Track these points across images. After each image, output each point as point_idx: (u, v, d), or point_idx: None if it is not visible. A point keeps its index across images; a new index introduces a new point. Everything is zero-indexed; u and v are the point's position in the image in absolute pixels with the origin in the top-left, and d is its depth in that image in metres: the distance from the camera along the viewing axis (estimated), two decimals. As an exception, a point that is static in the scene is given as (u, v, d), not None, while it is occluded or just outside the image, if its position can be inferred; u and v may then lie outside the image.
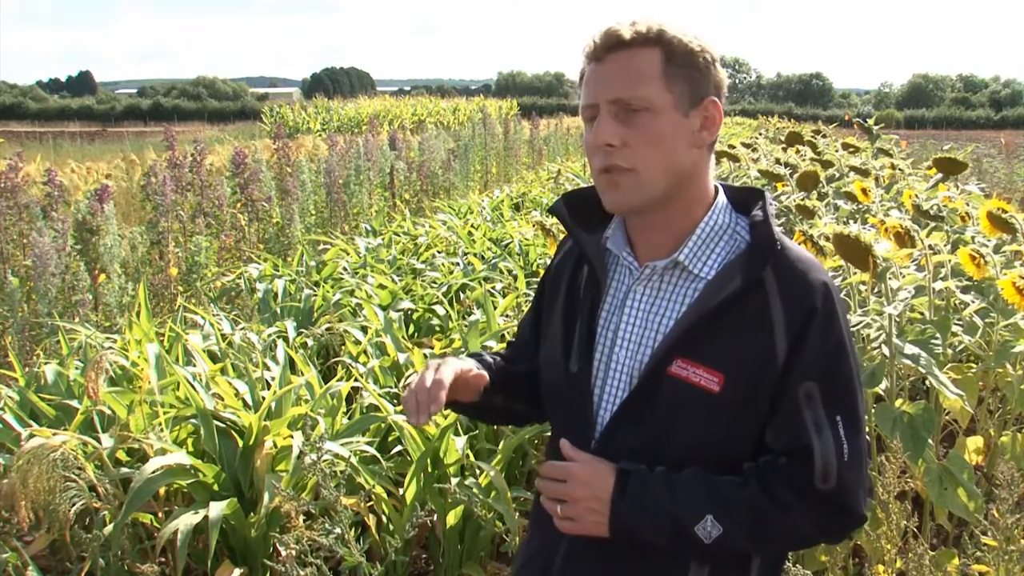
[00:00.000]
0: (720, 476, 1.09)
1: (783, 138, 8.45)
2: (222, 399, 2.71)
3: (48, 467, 2.21)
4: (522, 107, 33.31)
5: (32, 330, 4.04)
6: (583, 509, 1.09)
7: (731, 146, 6.02)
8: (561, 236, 3.33)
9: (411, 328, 4.15)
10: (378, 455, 2.61)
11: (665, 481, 1.09)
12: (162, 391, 2.72)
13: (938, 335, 2.22)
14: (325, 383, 2.99)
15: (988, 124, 45.67)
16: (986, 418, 2.69)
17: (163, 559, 2.50)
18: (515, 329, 3.60)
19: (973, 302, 2.55)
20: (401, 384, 3.08)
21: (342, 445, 2.49)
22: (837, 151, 6.26)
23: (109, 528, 2.29)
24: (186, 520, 2.25)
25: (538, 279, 4.23)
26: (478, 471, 2.58)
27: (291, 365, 3.11)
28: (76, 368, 3.01)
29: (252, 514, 2.44)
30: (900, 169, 5.08)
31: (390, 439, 2.82)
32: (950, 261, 2.49)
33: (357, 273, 4.84)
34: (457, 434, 2.63)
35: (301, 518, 2.03)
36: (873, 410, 2.18)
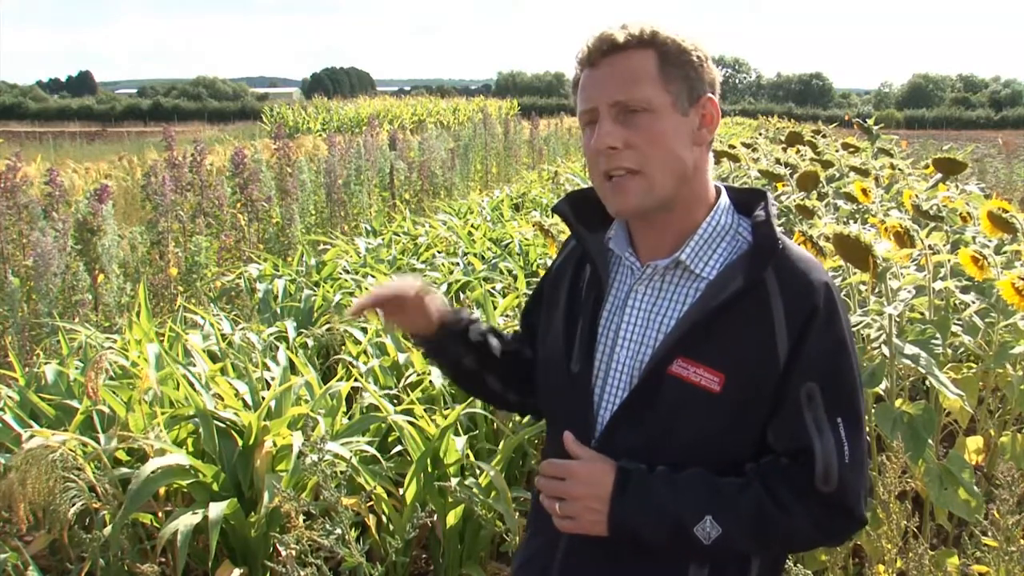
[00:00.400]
0: (721, 477, 1.09)
1: (783, 138, 8.45)
2: (222, 399, 2.71)
3: (48, 467, 2.21)
4: (522, 107, 33.31)
5: (32, 330, 4.04)
6: (582, 507, 1.09)
7: (731, 146, 6.01)
8: (560, 236, 3.33)
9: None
10: (378, 455, 2.61)
11: (666, 481, 1.08)
12: (161, 388, 2.72)
13: (938, 335, 2.21)
14: (325, 383, 2.99)
15: (988, 124, 45.66)
16: (986, 418, 2.69)
17: (163, 559, 2.50)
18: (515, 329, 3.61)
19: (973, 302, 2.55)
20: (401, 385, 3.08)
21: (342, 445, 2.49)
22: (837, 151, 6.26)
23: (109, 528, 2.29)
24: (186, 520, 2.25)
25: (538, 279, 4.24)
26: (478, 471, 2.58)
27: (291, 365, 3.11)
28: (76, 368, 3.01)
29: (252, 514, 2.44)
30: (900, 169, 5.08)
31: (390, 439, 2.82)
32: (950, 261, 2.49)
33: (357, 273, 4.84)
34: (457, 434, 2.63)
35: (301, 518, 2.03)
36: (873, 410, 2.18)
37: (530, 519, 1.32)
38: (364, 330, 3.61)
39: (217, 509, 2.26)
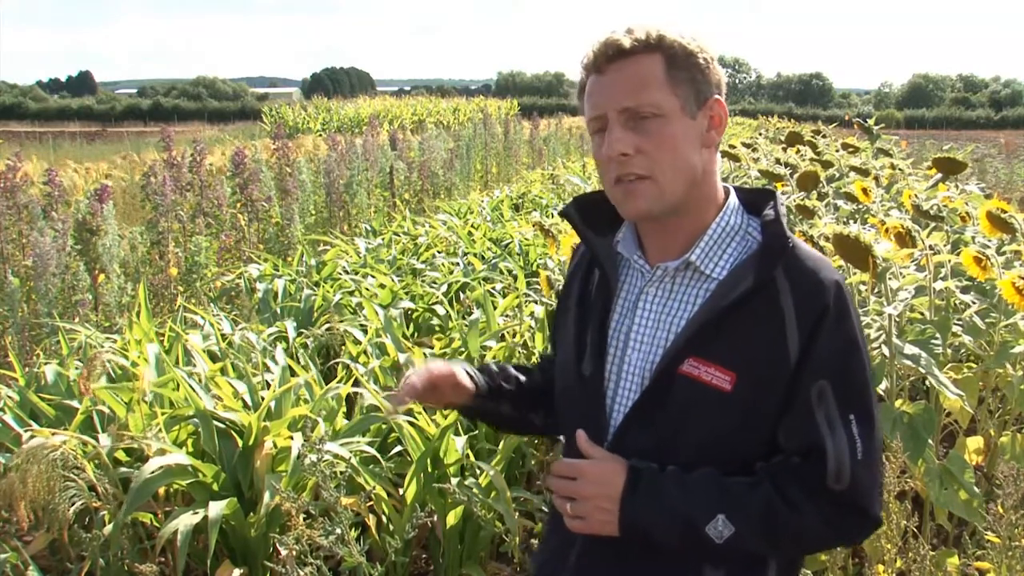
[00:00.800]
0: (732, 476, 1.09)
1: (783, 138, 8.46)
2: (222, 399, 2.71)
3: (47, 467, 2.21)
4: (522, 107, 33.31)
5: (32, 330, 4.04)
6: (592, 507, 1.09)
7: (731, 146, 6.02)
8: (560, 236, 3.33)
9: (411, 328, 4.15)
10: (378, 455, 2.61)
11: (677, 480, 1.08)
12: (159, 390, 2.72)
13: (938, 335, 2.22)
14: (325, 383, 2.99)
15: (988, 124, 45.65)
16: (986, 418, 2.69)
17: (163, 559, 2.50)
18: (515, 328, 3.61)
19: (973, 302, 2.55)
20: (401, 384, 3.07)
21: (342, 445, 2.49)
22: (837, 151, 6.27)
23: (109, 528, 2.29)
24: (186, 520, 2.25)
25: (537, 279, 4.25)
26: (478, 471, 2.57)
27: (291, 365, 3.11)
28: (76, 368, 3.01)
29: (252, 514, 2.44)
30: (900, 169, 5.08)
31: (390, 439, 2.82)
32: (950, 261, 2.49)
33: (357, 273, 4.84)
34: (457, 434, 2.63)
35: (301, 518, 2.02)
36: (873, 410, 2.18)
37: (548, 519, 1.34)
38: (364, 330, 3.62)
39: (217, 509, 2.26)
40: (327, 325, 3.78)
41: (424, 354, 3.34)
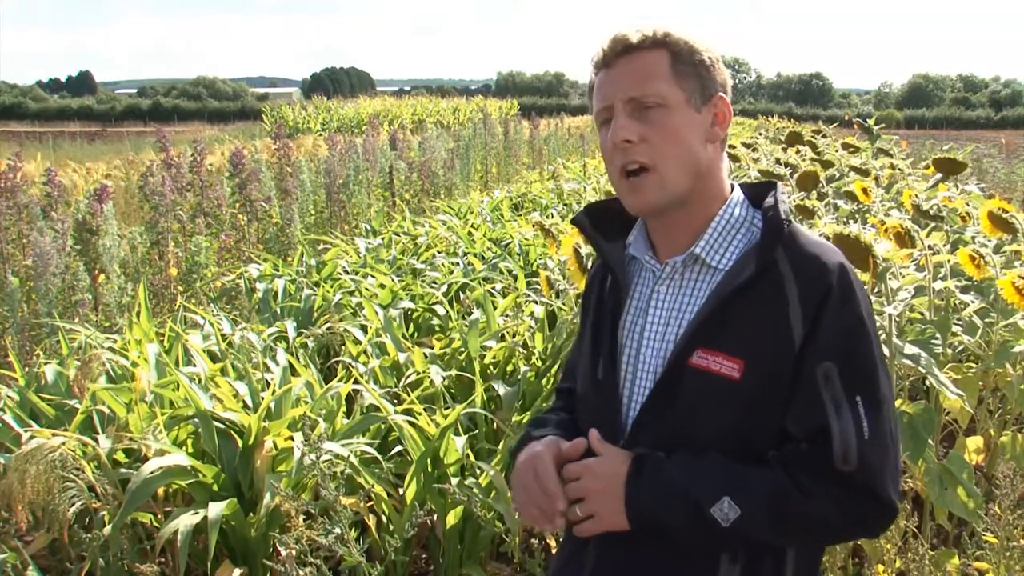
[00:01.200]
0: (739, 462, 1.08)
1: (783, 138, 8.46)
2: (222, 400, 2.71)
3: (47, 467, 2.21)
4: (522, 107, 33.33)
5: (32, 330, 4.04)
6: (600, 503, 1.09)
7: (731, 146, 6.02)
8: (560, 236, 3.33)
9: (411, 328, 4.16)
10: (378, 455, 2.61)
11: (681, 463, 1.08)
12: (159, 391, 2.72)
13: (938, 335, 2.22)
14: (325, 383, 2.99)
15: (988, 124, 45.65)
16: (986, 418, 2.69)
17: (163, 559, 2.50)
18: (515, 329, 3.61)
19: (973, 302, 2.55)
20: (401, 385, 3.08)
21: (342, 445, 2.49)
22: (837, 151, 6.27)
23: (108, 528, 2.29)
24: (186, 520, 2.25)
25: (537, 279, 4.25)
26: (478, 471, 2.57)
27: (291, 365, 3.11)
28: (76, 368, 3.00)
29: (252, 514, 2.44)
30: (900, 169, 5.08)
31: (390, 439, 2.82)
32: (950, 261, 2.49)
33: (357, 273, 4.84)
34: (457, 434, 2.63)
35: (301, 518, 2.03)
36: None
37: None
38: (364, 330, 3.62)
39: (217, 509, 2.26)
40: (327, 325, 3.78)
41: (424, 355, 3.34)
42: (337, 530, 1.76)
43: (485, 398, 3.03)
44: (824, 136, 9.15)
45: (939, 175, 3.87)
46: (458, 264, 4.97)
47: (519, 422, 2.84)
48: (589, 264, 2.86)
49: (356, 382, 2.96)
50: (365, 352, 3.40)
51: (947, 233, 3.04)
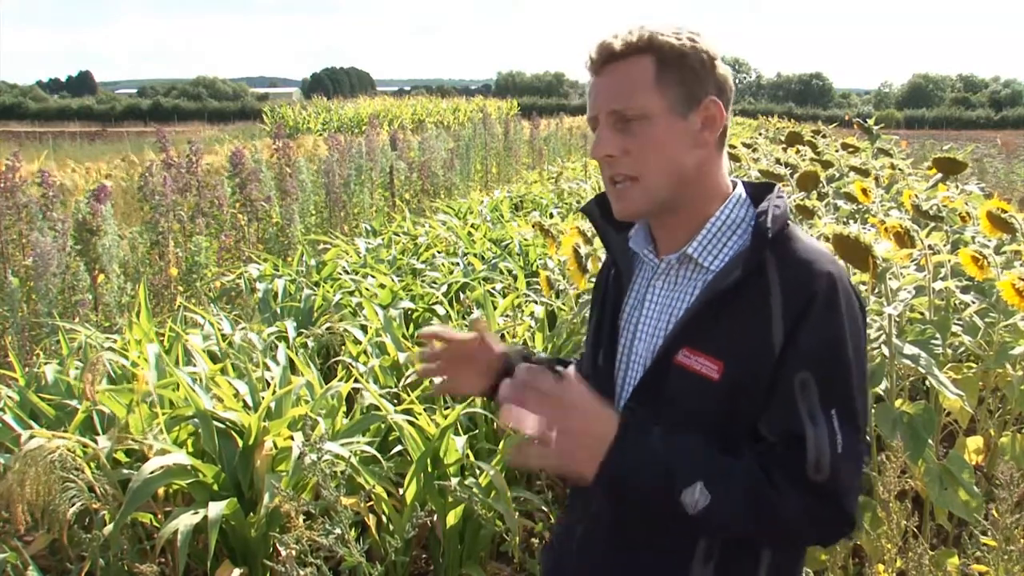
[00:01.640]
0: (719, 451, 1.08)
1: (783, 138, 8.46)
2: (222, 400, 2.71)
3: (47, 467, 2.21)
4: (522, 107, 33.32)
5: (32, 330, 4.04)
6: (577, 442, 1.02)
7: (731, 146, 6.02)
8: (560, 237, 3.33)
9: (411, 328, 4.15)
10: (378, 455, 2.61)
11: (665, 436, 1.06)
12: (160, 391, 2.72)
13: (938, 335, 2.22)
14: (325, 383, 2.99)
15: (988, 124, 45.66)
16: (986, 418, 2.69)
17: (163, 559, 2.50)
18: (514, 329, 3.61)
19: (973, 302, 2.55)
20: (401, 385, 3.08)
21: (342, 445, 2.49)
22: (837, 151, 6.27)
23: (109, 528, 2.29)
24: (186, 520, 2.25)
25: (537, 279, 4.25)
26: (478, 471, 2.57)
27: (291, 365, 3.11)
28: (76, 368, 3.00)
29: (252, 514, 2.44)
30: (900, 169, 5.09)
31: (390, 439, 2.82)
32: (950, 261, 2.49)
33: (357, 273, 4.84)
34: (457, 434, 2.63)
35: (301, 518, 2.03)
36: (873, 410, 2.18)
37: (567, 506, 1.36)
38: (364, 329, 3.62)
39: (217, 509, 2.26)
40: (327, 325, 3.78)
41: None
42: (337, 530, 1.76)
43: (485, 398, 3.03)
44: (824, 136, 9.15)
45: (939, 175, 3.87)
46: (458, 264, 4.97)
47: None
48: (589, 264, 2.86)
49: (356, 382, 2.96)
50: (365, 352, 3.40)
51: (947, 233, 3.04)
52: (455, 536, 2.57)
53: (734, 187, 1.20)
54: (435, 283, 4.56)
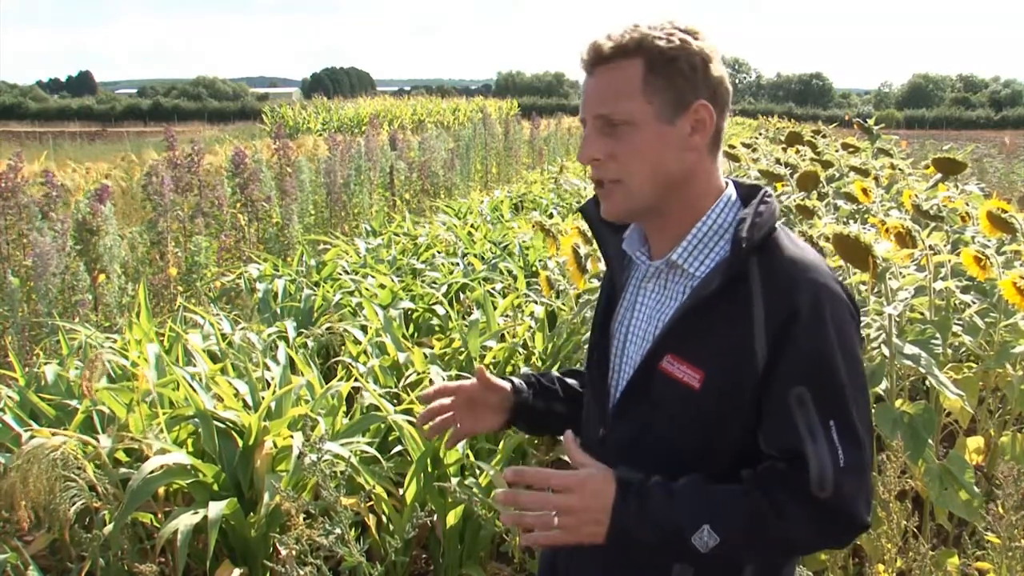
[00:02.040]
0: (718, 483, 1.08)
1: (783, 138, 8.46)
2: (222, 399, 2.71)
3: (48, 467, 2.21)
4: (522, 107, 33.29)
5: (32, 330, 4.03)
6: (582, 519, 1.07)
7: (731, 146, 6.03)
8: (560, 237, 3.33)
9: (411, 328, 4.16)
10: (378, 455, 2.61)
11: (664, 490, 1.07)
12: (160, 390, 2.72)
13: (938, 335, 2.22)
14: (325, 383, 2.99)
15: (988, 124, 45.66)
16: (986, 418, 2.69)
17: (163, 559, 2.50)
18: (514, 329, 3.61)
19: (973, 302, 2.55)
20: (401, 385, 3.08)
21: (342, 445, 2.49)
22: (837, 151, 6.27)
23: (109, 528, 2.29)
24: (186, 520, 2.25)
25: (537, 279, 4.25)
26: (478, 471, 2.57)
27: (291, 365, 3.11)
28: (76, 368, 3.00)
29: (252, 514, 2.44)
30: (900, 169, 5.09)
31: (390, 439, 2.82)
32: (950, 261, 2.49)
33: (357, 273, 4.84)
34: (457, 434, 2.63)
35: (301, 518, 2.03)
36: (873, 410, 2.18)
37: None
38: (364, 330, 3.62)
39: (217, 509, 2.26)
40: (327, 325, 3.78)
41: (424, 355, 3.34)
42: (337, 530, 1.76)
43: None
44: (824, 136, 9.15)
45: (939, 175, 3.87)
46: (458, 264, 4.97)
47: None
48: (588, 265, 2.86)
49: (356, 381, 2.96)
50: (365, 352, 3.40)
51: (947, 233, 3.04)
52: (455, 536, 2.57)
53: (727, 186, 1.18)
54: (435, 283, 4.56)
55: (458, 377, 3.24)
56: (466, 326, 3.56)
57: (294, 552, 1.76)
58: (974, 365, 2.66)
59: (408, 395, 2.92)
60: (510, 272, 4.77)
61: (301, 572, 1.75)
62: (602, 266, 1.39)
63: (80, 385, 2.61)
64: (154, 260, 5.31)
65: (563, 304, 3.73)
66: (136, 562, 2.18)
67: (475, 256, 5.28)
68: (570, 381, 1.42)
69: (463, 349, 3.40)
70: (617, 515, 1.06)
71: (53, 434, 2.37)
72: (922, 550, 1.83)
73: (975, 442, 2.59)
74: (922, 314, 2.51)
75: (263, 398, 2.69)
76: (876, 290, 2.35)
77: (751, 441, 1.10)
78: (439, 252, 5.46)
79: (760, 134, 13.13)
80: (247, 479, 2.51)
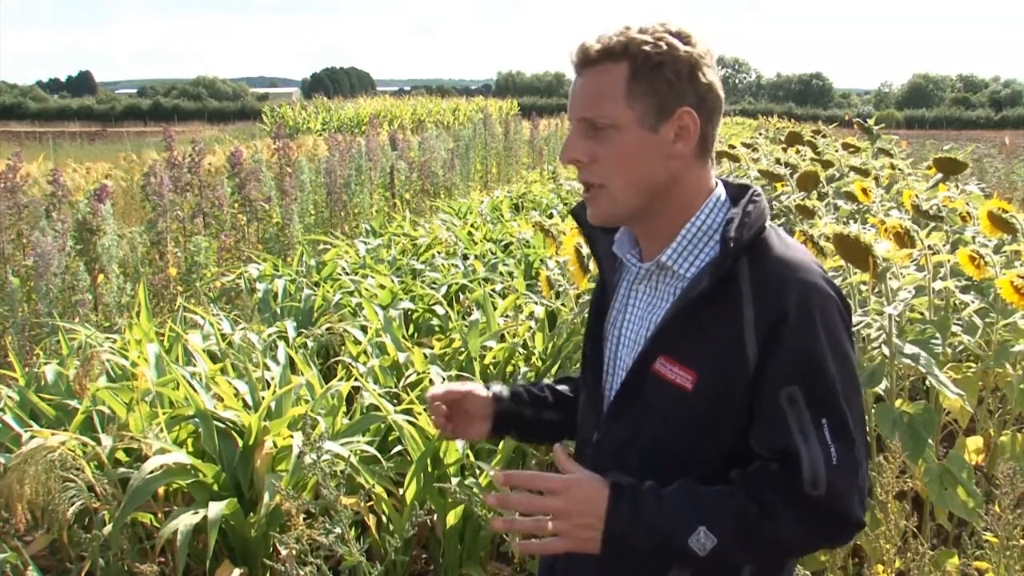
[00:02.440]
0: (709, 486, 1.08)
1: (783, 138, 8.46)
2: (222, 399, 2.71)
3: (47, 467, 2.21)
4: (522, 107, 33.28)
5: (32, 330, 4.03)
6: (575, 525, 1.06)
7: (731, 146, 6.02)
8: (560, 237, 3.33)
9: (411, 328, 4.15)
10: (378, 455, 2.61)
11: (656, 495, 1.07)
12: (160, 389, 2.72)
13: (938, 335, 2.22)
14: (325, 383, 2.99)
15: (988, 124, 45.67)
16: (986, 418, 2.69)
17: (163, 559, 2.50)
18: (514, 330, 3.61)
19: (973, 302, 2.55)
20: (401, 385, 3.08)
21: (342, 445, 2.49)
22: (837, 151, 6.27)
23: (109, 528, 2.29)
24: (186, 520, 2.25)
25: (538, 280, 4.25)
26: (478, 471, 2.58)
27: (291, 365, 3.11)
28: (76, 368, 3.00)
29: (252, 514, 2.44)
30: (900, 169, 5.08)
31: (390, 439, 2.82)
32: (950, 261, 2.49)
33: (357, 273, 4.83)
34: (457, 434, 2.63)
35: (301, 518, 2.03)
36: (873, 410, 2.18)
37: None
38: (364, 330, 3.61)
39: (216, 509, 2.26)
40: (327, 325, 3.78)
41: (424, 355, 3.34)
42: (337, 530, 1.76)
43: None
44: (824, 136, 9.14)
45: (939, 175, 3.87)
46: (457, 265, 4.97)
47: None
48: (591, 264, 2.86)
49: (356, 381, 2.96)
50: (365, 352, 3.40)
51: (947, 233, 3.04)
52: (455, 536, 2.57)
53: (716, 187, 1.17)
54: (435, 284, 4.56)
55: (458, 377, 3.24)
56: (466, 326, 3.56)
57: (294, 552, 1.76)
58: (973, 365, 2.66)
59: (408, 395, 2.92)
60: (510, 273, 4.77)
61: (301, 572, 1.75)
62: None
63: (77, 384, 2.61)
64: (154, 260, 5.31)
65: (563, 304, 3.73)
66: (136, 562, 2.18)
67: (475, 256, 5.27)
68: (562, 388, 1.42)
69: (463, 349, 3.40)
70: (611, 521, 1.06)
71: (53, 434, 2.37)
72: (921, 550, 1.83)
73: (975, 442, 2.59)
74: (922, 314, 2.51)
75: (263, 398, 2.69)
76: (876, 290, 2.35)
77: (742, 442, 1.10)
78: (439, 252, 5.46)
79: (760, 134, 13.12)
80: (247, 479, 2.51)
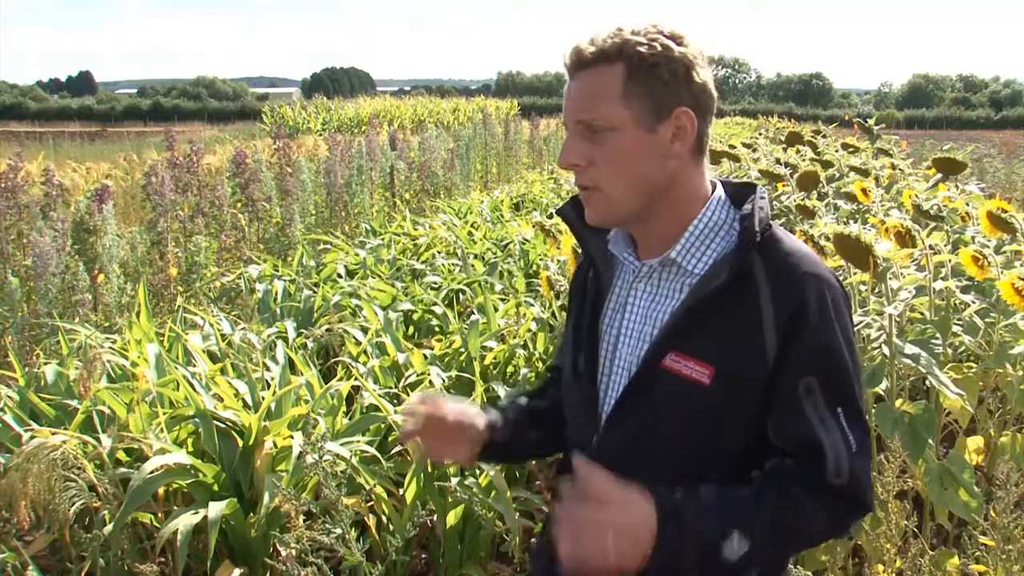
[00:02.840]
0: (734, 488, 1.07)
1: (783, 138, 8.46)
2: (222, 399, 2.71)
3: (48, 467, 2.21)
4: (522, 107, 33.29)
5: (32, 330, 4.03)
6: (619, 537, 0.98)
7: (731, 146, 6.03)
8: (561, 236, 3.33)
9: (411, 329, 4.15)
10: (378, 455, 2.61)
11: (694, 507, 1.03)
12: (160, 390, 2.72)
13: (938, 335, 2.22)
14: (325, 383, 2.99)
15: (988, 124, 45.70)
16: (986, 418, 2.69)
17: (163, 559, 2.50)
18: (514, 330, 3.61)
19: (973, 302, 2.55)
20: (401, 385, 3.08)
21: (342, 445, 2.49)
22: (837, 151, 6.27)
23: (109, 528, 2.29)
24: (186, 520, 2.25)
25: (538, 280, 4.25)
26: (478, 471, 2.57)
27: (291, 365, 3.10)
28: (76, 368, 3.00)
29: (252, 514, 2.44)
30: (900, 169, 5.09)
31: (390, 439, 2.82)
32: (950, 261, 2.49)
33: (356, 274, 4.83)
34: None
35: (301, 518, 2.03)
36: (873, 410, 2.18)
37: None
38: (364, 330, 3.61)
39: (217, 509, 2.26)
40: (327, 325, 3.78)
41: (424, 355, 3.34)
42: (338, 530, 1.76)
43: (485, 399, 3.03)
44: (824, 136, 9.15)
45: (939, 175, 3.87)
46: (458, 265, 4.97)
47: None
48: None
49: (356, 382, 2.96)
50: (365, 352, 3.40)
51: (947, 233, 3.04)
52: (455, 536, 2.57)
53: (714, 188, 1.18)
54: (435, 285, 4.56)
55: (458, 378, 3.25)
56: (466, 327, 3.55)
57: (294, 552, 1.76)
58: (974, 365, 2.66)
59: (408, 395, 2.91)
60: (510, 273, 4.77)
61: (301, 572, 1.76)
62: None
63: (79, 386, 2.61)
64: (154, 260, 5.31)
65: (564, 304, 3.73)
66: (136, 562, 2.18)
67: (475, 257, 5.27)
68: (537, 403, 1.39)
69: (463, 350, 3.40)
70: (659, 538, 1.00)
71: (53, 434, 2.37)
72: (921, 550, 1.83)
73: (975, 442, 2.59)
74: (922, 314, 2.51)
75: (263, 398, 2.69)
76: (876, 290, 2.35)
77: (751, 439, 1.10)
78: (439, 252, 5.45)
79: (760, 134, 13.12)
80: (247, 479, 2.51)
